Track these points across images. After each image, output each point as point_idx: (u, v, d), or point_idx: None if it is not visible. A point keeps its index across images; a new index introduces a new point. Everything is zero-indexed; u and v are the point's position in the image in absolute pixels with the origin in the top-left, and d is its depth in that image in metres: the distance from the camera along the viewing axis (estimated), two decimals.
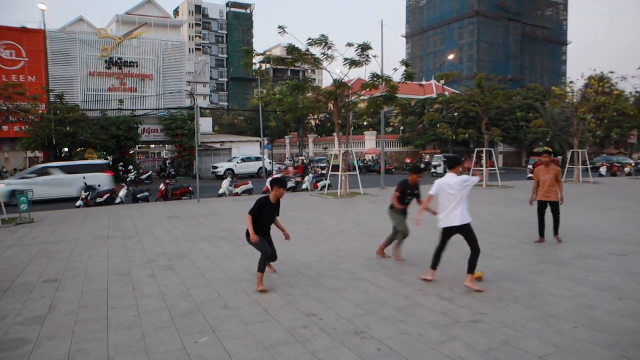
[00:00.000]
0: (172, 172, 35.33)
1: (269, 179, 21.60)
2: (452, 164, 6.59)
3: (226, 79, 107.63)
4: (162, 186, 19.14)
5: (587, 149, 32.21)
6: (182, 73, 38.19)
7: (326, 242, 9.49)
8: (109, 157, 30.71)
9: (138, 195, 18.30)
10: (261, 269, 6.27)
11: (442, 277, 6.71)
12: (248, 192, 20.08)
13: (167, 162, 41.00)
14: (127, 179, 27.41)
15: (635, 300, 5.71)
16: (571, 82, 37.14)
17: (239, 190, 20.04)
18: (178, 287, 6.47)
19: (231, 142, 40.56)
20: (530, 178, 32.54)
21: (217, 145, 39.17)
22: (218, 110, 78.27)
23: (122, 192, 18.32)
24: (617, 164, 38.43)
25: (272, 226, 6.64)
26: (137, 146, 39.43)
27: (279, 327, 4.96)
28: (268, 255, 6.33)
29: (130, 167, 32.33)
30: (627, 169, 37.39)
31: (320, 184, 21.90)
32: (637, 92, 39.85)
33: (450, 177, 6.34)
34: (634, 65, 44.28)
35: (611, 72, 33.67)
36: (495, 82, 36.56)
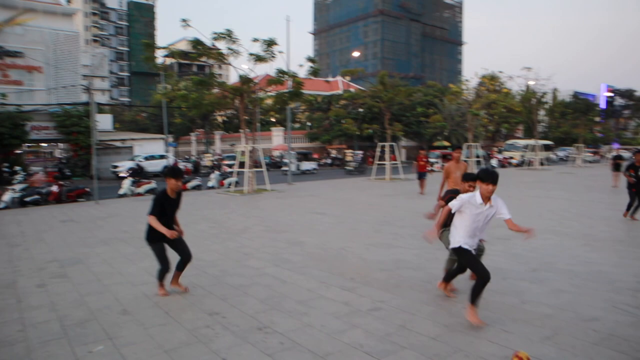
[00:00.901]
0: (68, 173, 32.87)
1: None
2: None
3: (127, 74, 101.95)
4: (54, 188, 17.75)
5: (480, 143, 34.85)
6: (77, 66, 35.69)
7: (231, 240, 9.38)
8: None
9: (27, 199, 16.82)
10: (161, 277, 5.84)
11: (345, 269, 6.92)
12: (151, 191, 19.26)
13: (61, 162, 38.08)
14: (13, 182, 25.07)
15: (517, 279, 6.29)
16: (466, 80, 39.88)
17: (141, 190, 19.16)
18: (71, 295, 6.05)
19: (133, 139, 38.62)
20: (430, 170, 34.58)
21: (118, 144, 37.09)
22: (119, 106, 74.03)
23: (7, 196, 16.71)
24: (506, 157, 41.96)
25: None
26: (25, 145, 36.14)
27: (181, 328, 4.84)
28: (166, 271, 5.79)
29: (18, 168, 29.60)
30: (514, 161, 40.96)
31: (226, 182, 21.57)
32: (522, 90, 43.70)
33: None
34: (520, 64, 48.59)
35: (500, 71, 36.55)
36: (398, 79, 38.20)
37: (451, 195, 5.77)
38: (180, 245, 5.83)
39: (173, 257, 5.84)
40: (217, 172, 23.47)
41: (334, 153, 42.77)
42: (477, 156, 28.93)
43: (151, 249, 5.74)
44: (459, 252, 4.94)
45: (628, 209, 11.11)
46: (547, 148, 45.01)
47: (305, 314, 5.17)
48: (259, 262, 7.51)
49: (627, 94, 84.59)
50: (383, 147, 24.73)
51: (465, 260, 4.92)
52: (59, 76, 33.38)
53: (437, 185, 9.94)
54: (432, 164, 35.54)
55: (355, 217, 12.01)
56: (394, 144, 25.33)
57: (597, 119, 68.29)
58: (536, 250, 7.96)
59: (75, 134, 32.07)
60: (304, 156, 34.96)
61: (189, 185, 21.05)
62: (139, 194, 18.96)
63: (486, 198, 4.72)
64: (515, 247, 8.14)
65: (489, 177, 4.63)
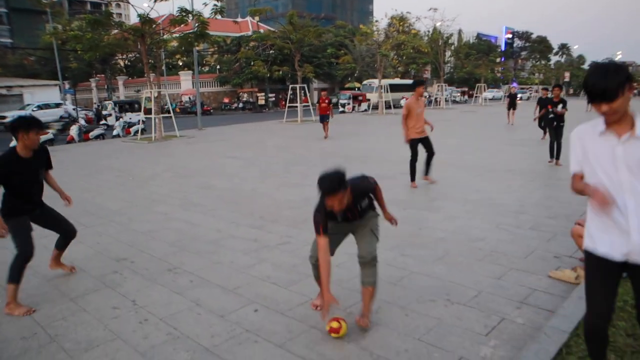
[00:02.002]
0: None
1: (72, 127, 19.61)
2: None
3: (5, 10, 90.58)
4: None
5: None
6: None
7: (139, 188, 9.14)
8: None
9: None
10: (15, 277, 4.03)
11: (255, 209, 7.07)
12: (48, 142, 17.91)
13: None
14: None
15: (416, 209, 6.81)
16: (376, 21, 40.15)
17: None
18: None
19: (21, 87, 35.09)
20: (342, 112, 35.20)
21: (3, 91, 33.57)
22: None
23: None
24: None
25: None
26: None
27: (87, 276, 4.77)
28: (28, 254, 4.08)
29: None
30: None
31: (133, 129, 20.57)
32: (429, 31, 44.93)
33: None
34: (428, 5, 49.41)
35: (408, 12, 37.13)
36: (308, 20, 37.61)
37: None
38: (54, 220, 4.53)
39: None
40: (121, 120, 22.20)
41: (245, 97, 41.84)
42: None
43: (8, 228, 4.02)
44: None
45: (551, 154, 10.56)
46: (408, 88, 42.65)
47: (214, 253, 5.29)
48: (168, 207, 7.44)
49: (525, 36, 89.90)
50: (294, 89, 24.65)
51: None
52: None
53: (345, 127, 10.20)
54: (343, 105, 36.13)
55: (266, 160, 12.10)
56: (305, 86, 25.32)
57: (498, 59, 72.31)
58: (435, 182, 8.57)
59: None
60: (129, 106, 29.72)
61: (91, 134, 19.84)
62: None
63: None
64: (417, 181, 8.70)
65: None
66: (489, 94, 53.85)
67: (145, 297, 4.23)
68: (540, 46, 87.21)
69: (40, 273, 4.88)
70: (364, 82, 44.34)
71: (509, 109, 21.43)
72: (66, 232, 4.66)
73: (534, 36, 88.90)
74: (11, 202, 4.11)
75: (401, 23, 42.67)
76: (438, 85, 38.35)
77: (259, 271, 4.73)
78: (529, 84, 76.38)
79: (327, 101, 17.54)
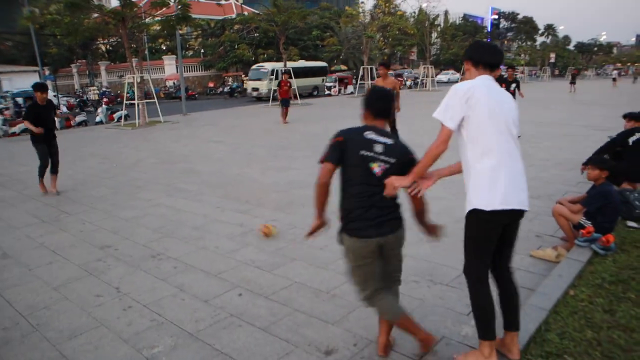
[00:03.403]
0: None
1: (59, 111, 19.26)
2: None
3: None
4: None
5: (376, 66, 35.63)
6: None
7: (123, 174, 9.04)
8: None
9: None
10: (40, 174, 7.66)
11: (240, 194, 7.05)
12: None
13: None
14: None
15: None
16: (362, 2, 39.81)
17: (16, 129, 17.41)
18: None
19: None
20: (328, 95, 35.01)
21: None
22: None
23: None
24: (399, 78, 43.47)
25: None
26: None
27: (70, 264, 4.73)
28: (45, 163, 7.60)
29: None
30: (408, 83, 42.60)
31: (116, 115, 20.27)
32: (415, 12, 44.70)
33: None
34: None
35: None
36: (294, 2, 37.16)
37: None
38: (54, 152, 7.70)
39: None
40: (104, 106, 21.84)
41: (230, 81, 41.22)
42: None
43: (35, 149, 7.60)
44: None
45: None
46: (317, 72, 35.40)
47: (199, 239, 5.27)
48: (152, 194, 7.38)
49: (511, 16, 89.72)
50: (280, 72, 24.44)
51: None
52: None
53: (329, 110, 10.16)
54: (329, 88, 35.90)
55: (252, 144, 12.04)
56: (289, 69, 25.10)
57: (485, 40, 72.22)
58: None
59: None
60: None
61: (74, 121, 19.52)
62: (13, 134, 17.26)
63: None
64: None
65: None
66: (443, 76, 51.96)
67: (129, 284, 4.21)
68: (526, 27, 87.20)
69: (23, 263, 4.84)
70: (253, 67, 33.54)
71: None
72: (55, 163, 7.74)
73: (520, 17, 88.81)
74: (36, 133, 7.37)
75: (387, 4, 42.36)
76: (424, 67, 38.25)
77: (243, 255, 4.73)
78: (515, 65, 76.49)
79: (288, 85, 16.91)
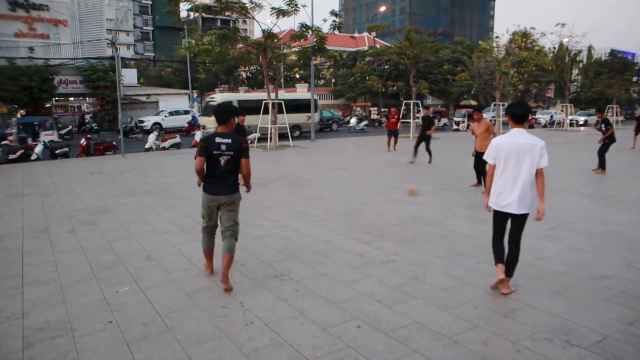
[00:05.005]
0: (95, 127, 33.47)
1: (197, 132, 21.16)
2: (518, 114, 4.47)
3: (152, 28, 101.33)
4: (83, 141, 18.21)
5: (509, 103, 34.01)
6: (102, 20, 35.44)
7: (253, 193, 9.51)
8: (21, 111, 28.51)
9: (57, 151, 17.33)
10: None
11: (362, 223, 7.04)
12: (176, 146, 19.58)
13: (89, 115, 38.67)
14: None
15: (534, 238, 6.30)
16: (497, 37, 38.48)
17: (166, 144, 19.49)
18: (100, 241, 6.36)
19: (158, 95, 38.88)
20: (455, 130, 34.13)
21: (143, 99, 37.44)
22: (143, 61, 74.06)
23: (38, 148, 17.25)
24: (534, 117, 40.96)
25: None
26: (53, 99, 36.74)
27: (201, 274, 5.07)
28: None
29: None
30: (543, 122, 39.97)
31: (250, 137, 21.70)
32: (554, 47, 42.03)
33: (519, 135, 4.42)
34: (555, 20, 46.43)
35: (533, 28, 35.15)
36: (425, 36, 37.13)
37: None
38: None
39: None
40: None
41: (358, 110, 42.16)
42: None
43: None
44: None
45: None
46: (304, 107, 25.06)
47: (321, 264, 5.34)
48: (279, 215, 7.69)
49: None
50: (408, 105, 24.39)
51: None
52: (83, 30, 33.20)
53: (455, 144, 9.87)
54: (457, 123, 34.97)
55: (376, 174, 12.07)
56: (418, 102, 24.95)
57: (635, 78, 65.46)
58: (556, 210, 7.92)
59: (102, 88, 32.45)
60: (38, 126, 22.43)
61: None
62: (163, 149, 19.31)
63: None
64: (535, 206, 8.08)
65: None
66: (580, 116, 42.70)
67: (252, 300, 4.38)
68: None
69: (162, 266, 5.29)
70: (207, 98, 30.19)
71: (636, 133, 19.31)
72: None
73: None
74: None
75: (524, 39, 40.37)
76: (562, 106, 35.56)
77: (364, 287, 4.68)
78: None
79: (396, 117, 18.31)
